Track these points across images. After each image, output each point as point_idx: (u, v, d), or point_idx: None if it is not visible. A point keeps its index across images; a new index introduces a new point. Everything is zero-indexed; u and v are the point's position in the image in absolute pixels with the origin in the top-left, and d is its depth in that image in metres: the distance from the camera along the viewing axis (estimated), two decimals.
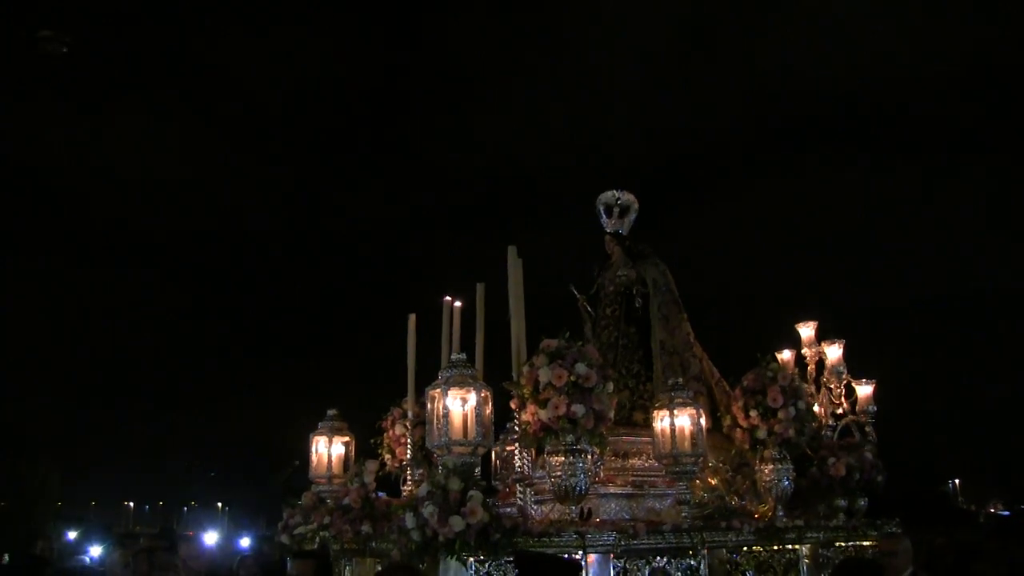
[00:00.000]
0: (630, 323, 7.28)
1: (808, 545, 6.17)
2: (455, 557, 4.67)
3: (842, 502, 6.66)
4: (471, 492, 4.75)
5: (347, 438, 6.92)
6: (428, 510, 4.71)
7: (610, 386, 5.54)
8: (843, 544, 6.35)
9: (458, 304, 6.60)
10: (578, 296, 7.55)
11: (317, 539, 5.96)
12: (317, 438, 6.85)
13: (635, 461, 6.50)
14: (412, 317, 7.14)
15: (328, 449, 6.83)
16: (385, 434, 7.18)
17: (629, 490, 6.28)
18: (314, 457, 6.82)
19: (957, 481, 32.39)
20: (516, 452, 5.69)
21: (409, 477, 6.84)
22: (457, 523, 4.65)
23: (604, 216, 7.59)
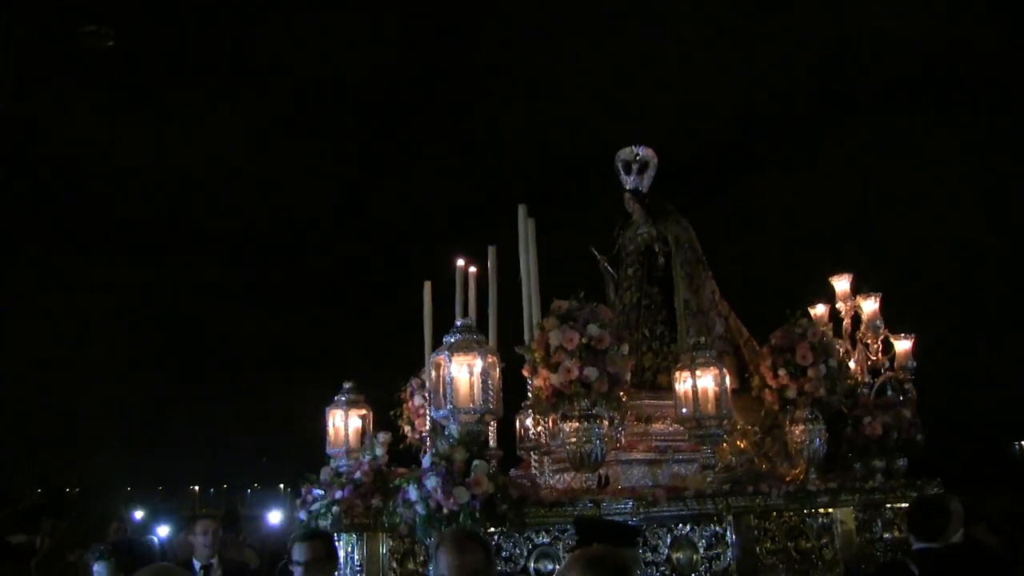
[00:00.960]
0: (652, 283, 6.99)
1: (843, 509, 5.87)
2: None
3: (880, 463, 6.33)
4: (476, 462, 4.55)
5: (364, 411, 6.76)
6: (432, 482, 4.52)
7: (625, 348, 5.28)
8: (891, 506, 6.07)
9: (473, 269, 6.38)
10: (599, 257, 7.28)
11: (330, 515, 5.83)
12: (333, 411, 6.71)
13: (659, 426, 6.24)
14: (428, 284, 6.93)
15: (345, 422, 6.69)
16: (404, 405, 7.02)
17: (653, 456, 6.04)
18: (330, 431, 6.69)
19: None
20: (530, 419, 5.48)
21: (428, 449, 6.67)
22: (461, 494, 4.45)
23: (623, 173, 7.28)
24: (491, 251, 6.30)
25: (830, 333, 6.42)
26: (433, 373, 5.06)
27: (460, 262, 6.52)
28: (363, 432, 6.74)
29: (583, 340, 5.09)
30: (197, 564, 6.30)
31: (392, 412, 7.13)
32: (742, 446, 6.38)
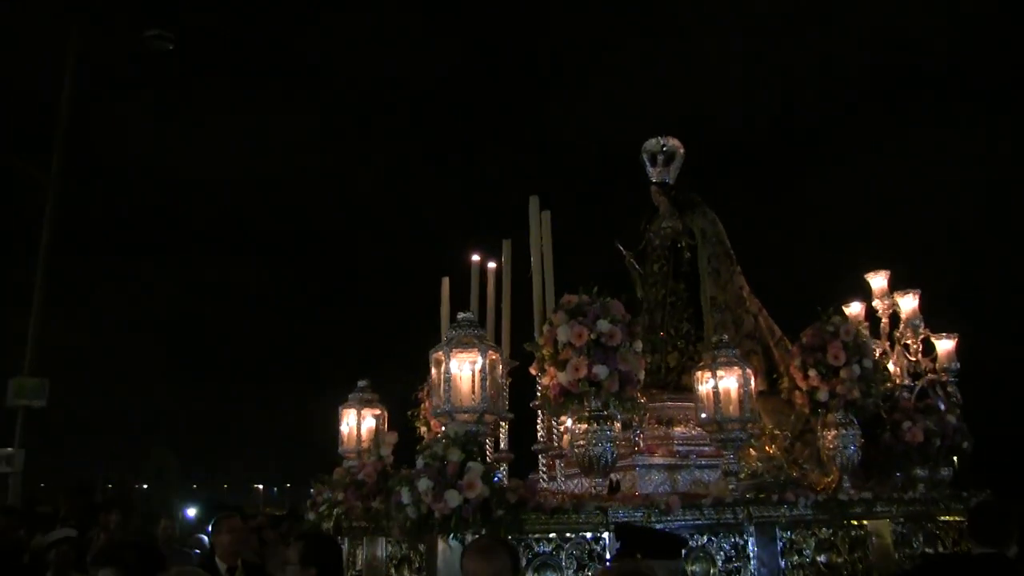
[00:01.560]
0: (679, 279, 6.63)
1: (879, 521, 5.45)
2: (453, 536, 4.21)
3: (922, 472, 5.89)
4: (470, 464, 4.28)
5: (378, 410, 6.55)
6: (423, 484, 4.26)
7: (639, 345, 4.96)
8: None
9: (492, 265, 6.14)
10: (624, 252, 6.95)
11: (332, 516, 5.62)
12: (346, 411, 6.51)
13: (681, 429, 5.90)
14: (445, 280, 6.69)
15: (358, 422, 6.49)
16: (421, 405, 6.79)
17: (674, 460, 5.69)
18: (344, 431, 6.49)
19: None
20: (539, 420, 5.21)
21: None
22: (453, 498, 4.18)
23: (649, 165, 6.93)
24: (505, 245, 6.04)
25: (866, 332, 5.99)
26: (433, 370, 4.81)
27: (476, 257, 6.28)
28: (377, 432, 6.53)
29: (592, 336, 4.79)
30: (223, 566, 6.08)
31: (409, 412, 6.91)
32: (771, 452, 5.99)
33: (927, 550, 5.58)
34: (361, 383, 6.61)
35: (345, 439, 6.47)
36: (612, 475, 5.11)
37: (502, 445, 5.66)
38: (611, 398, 4.85)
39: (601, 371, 4.76)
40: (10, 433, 13.50)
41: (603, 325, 4.82)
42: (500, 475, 5.41)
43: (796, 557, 5.12)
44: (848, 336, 5.59)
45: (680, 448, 5.77)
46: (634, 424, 5.62)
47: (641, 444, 5.63)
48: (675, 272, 6.64)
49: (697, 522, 4.82)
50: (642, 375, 5.01)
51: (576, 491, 5.36)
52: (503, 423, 5.62)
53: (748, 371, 5.33)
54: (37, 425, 13.93)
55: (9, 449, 13.27)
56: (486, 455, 4.84)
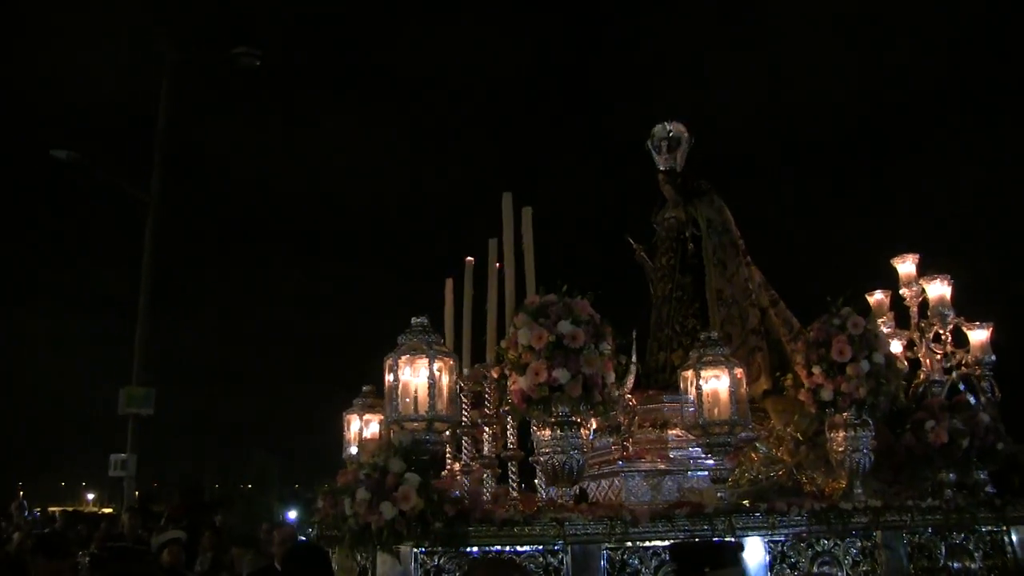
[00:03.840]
0: (685, 272, 6.25)
1: (890, 531, 4.96)
2: (385, 548, 4.06)
3: (951, 476, 5.34)
4: (407, 474, 4.11)
5: (382, 416, 6.46)
6: (360, 495, 4.13)
7: (605, 346, 4.66)
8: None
9: (470, 259, 5.95)
10: (635, 246, 6.61)
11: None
12: (350, 417, 6.45)
13: (676, 432, 5.54)
14: (449, 282, 6.53)
15: (360, 427, 6.41)
16: None
17: (665, 466, 5.36)
18: (347, 436, 6.43)
19: None
20: (509, 426, 4.99)
21: (449, 455, 6.28)
22: (387, 510, 4.03)
23: (655, 153, 6.57)
24: (491, 245, 5.83)
25: (881, 323, 5.48)
26: (387, 376, 4.66)
27: (469, 259, 6.10)
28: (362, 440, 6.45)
29: (551, 338, 4.54)
30: None
31: None
32: (779, 455, 5.56)
33: (952, 564, 5.05)
34: (365, 388, 6.54)
35: (347, 445, 6.43)
36: (579, 484, 4.82)
37: (486, 450, 5.46)
38: (575, 403, 4.58)
39: (561, 375, 4.50)
40: (122, 439, 14.27)
41: (564, 326, 4.56)
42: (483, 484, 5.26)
43: (789, 571, 4.71)
44: (856, 329, 5.11)
45: (674, 452, 5.42)
46: (623, 428, 5.32)
47: (629, 449, 5.32)
48: (681, 265, 6.27)
49: (669, 533, 4.49)
50: (612, 378, 4.70)
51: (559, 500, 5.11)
52: (488, 428, 5.44)
53: (738, 371, 4.94)
54: (147, 429, 14.65)
55: (123, 455, 14.02)
56: (444, 464, 4.66)
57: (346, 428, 6.50)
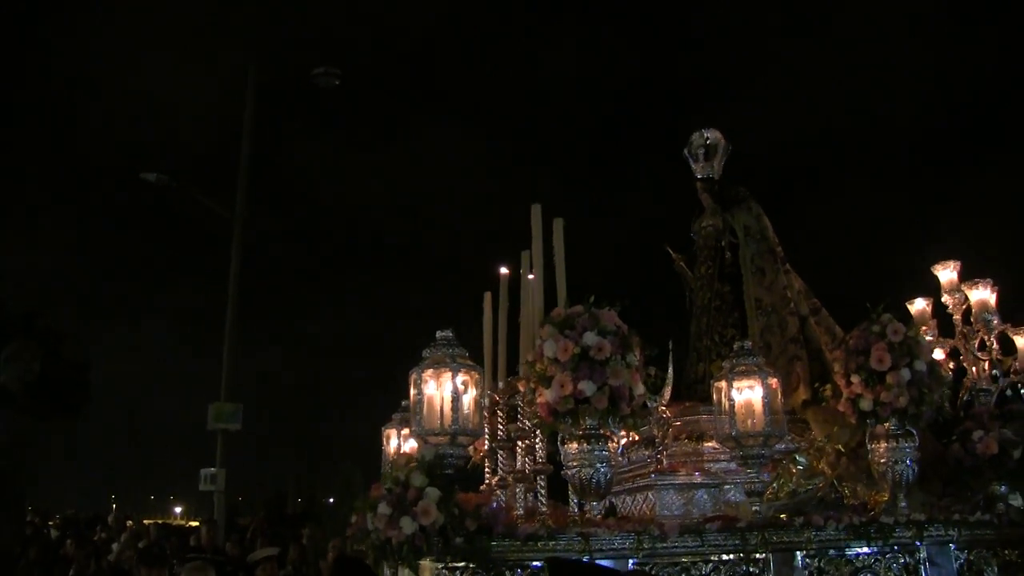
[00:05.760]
0: (723, 281, 6.13)
1: (936, 547, 4.76)
2: (405, 563, 4.06)
3: (1003, 488, 5.11)
4: (427, 488, 4.11)
5: None
6: (381, 509, 4.14)
7: (632, 357, 4.59)
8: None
9: (505, 270, 5.94)
10: (674, 256, 6.52)
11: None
12: (389, 431, 6.49)
13: (713, 444, 5.41)
14: (488, 296, 6.54)
15: (399, 441, 6.45)
16: None
17: (701, 479, 5.24)
18: (386, 451, 6.47)
19: None
20: (537, 439, 4.95)
21: (487, 469, 6.27)
22: (407, 525, 4.04)
23: (692, 161, 6.47)
24: (524, 256, 5.81)
25: (925, 331, 5.28)
26: (412, 390, 4.67)
27: (504, 270, 6.09)
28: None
29: (576, 350, 4.50)
30: None
31: None
32: (819, 468, 5.39)
33: None
34: (404, 403, 6.57)
35: (389, 459, 6.46)
36: (610, 498, 4.76)
37: (518, 464, 5.42)
38: (602, 415, 4.52)
39: (587, 387, 4.46)
40: (212, 453, 14.61)
41: (590, 338, 4.52)
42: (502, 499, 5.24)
43: None
44: (896, 336, 4.95)
45: (710, 465, 5.31)
46: (657, 441, 5.24)
47: (664, 462, 5.23)
48: (719, 274, 6.15)
49: (699, 548, 4.40)
50: (640, 389, 4.64)
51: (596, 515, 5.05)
52: (521, 442, 5.40)
53: (772, 380, 4.83)
54: (234, 443, 14.97)
55: (212, 469, 14.39)
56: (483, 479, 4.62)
57: (385, 443, 6.56)
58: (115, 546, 12.35)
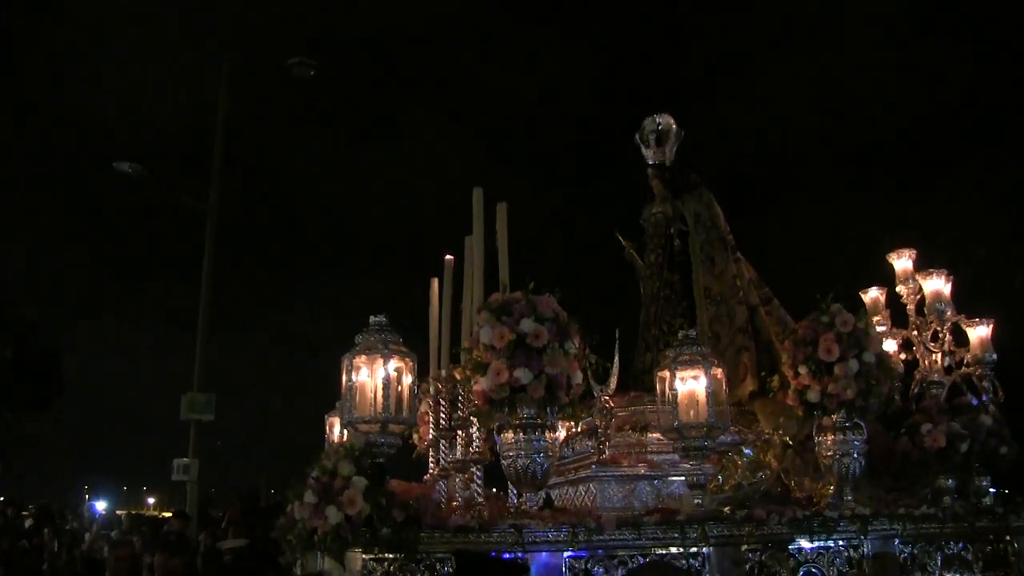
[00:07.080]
0: (673, 270, 6.01)
1: (879, 540, 4.67)
2: (331, 554, 3.91)
3: (949, 482, 5.04)
4: (354, 478, 3.95)
5: None
6: (308, 498, 3.98)
7: (571, 345, 4.44)
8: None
9: (449, 257, 5.79)
10: (624, 244, 6.38)
11: None
12: (332, 419, 6.31)
13: (657, 436, 5.29)
14: (434, 281, 6.38)
15: (341, 431, 6.27)
16: None
17: (644, 471, 5.12)
18: (332, 439, 6.29)
19: None
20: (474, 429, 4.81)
21: (432, 459, 6.11)
22: (333, 515, 3.87)
23: (643, 147, 6.33)
24: (467, 241, 5.65)
25: (876, 322, 5.19)
26: (343, 377, 4.50)
27: (448, 256, 5.94)
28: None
29: (511, 336, 4.34)
30: None
31: None
32: (766, 460, 5.28)
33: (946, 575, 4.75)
34: None
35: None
36: (548, 489, 4.62)
37: (459, 453, 5.27)
38: (539, 404, 4.38)
39: (523, 375, 4.31)
40: (185, 444, 14.41)
41: (527, 324, 4.36)
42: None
43: None
44: (845, 327, 4.84)
45: (654, 457, 5.19)
46: (600, 431, 5.11)
47: (606, 453, 5.10)
48: (669, 262, 6.03)
49: (636, 541, 4.27)
50: (579, 378, 4.49)
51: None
52: (461, 432, 5.25)
53: (717, 371, 4.71)
54: (208, 435, 14.76)
55: (185, 460, 14.19)
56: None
57: (328, 431, 6.39)
58: (87, 535, 12.16)
